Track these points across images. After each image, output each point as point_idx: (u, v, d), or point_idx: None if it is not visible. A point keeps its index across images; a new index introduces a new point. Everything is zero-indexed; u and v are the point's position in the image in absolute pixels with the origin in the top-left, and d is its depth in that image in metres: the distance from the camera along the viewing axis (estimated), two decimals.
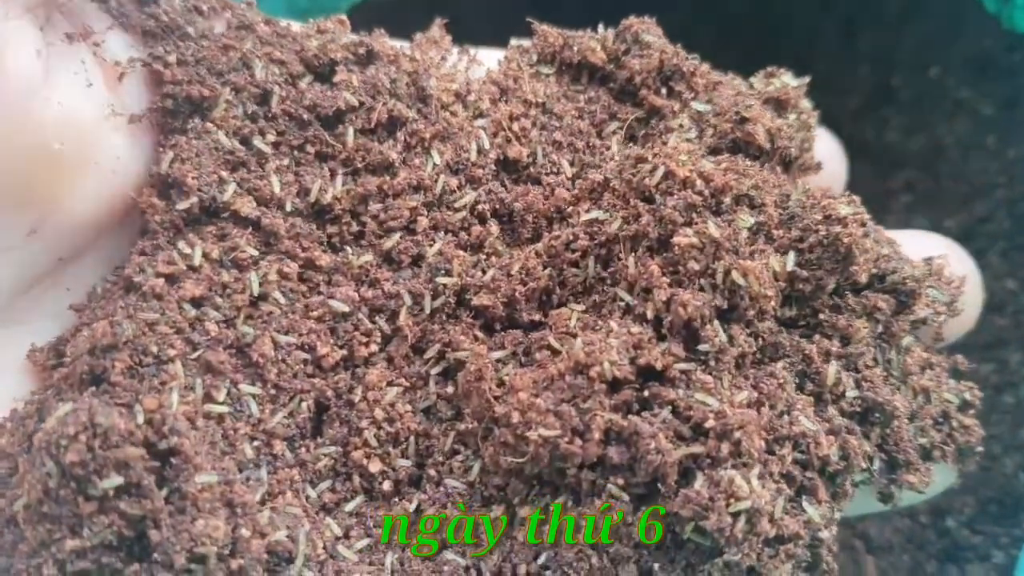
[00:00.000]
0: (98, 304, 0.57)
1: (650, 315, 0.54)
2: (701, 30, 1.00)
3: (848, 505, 0.56)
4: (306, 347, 0.55)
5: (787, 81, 0.64)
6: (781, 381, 0.54)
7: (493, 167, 0.61)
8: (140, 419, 0.49)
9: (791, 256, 0.55)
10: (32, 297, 0.57)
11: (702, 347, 0.53)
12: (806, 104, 0.64)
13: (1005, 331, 0.89)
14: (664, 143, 0.59)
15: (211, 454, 0.52)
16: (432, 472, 0.55)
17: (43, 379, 0.56)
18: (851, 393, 0.56)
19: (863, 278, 0.56)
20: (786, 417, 0.53)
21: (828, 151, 0.71)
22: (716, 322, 0.53)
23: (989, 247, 0.92)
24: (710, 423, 0.50)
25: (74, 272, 0.58)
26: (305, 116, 0.59)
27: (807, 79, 0.65)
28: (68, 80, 0.53)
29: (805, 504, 0.52)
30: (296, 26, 0.63)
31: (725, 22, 1.00)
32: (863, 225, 0.57)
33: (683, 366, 0.53)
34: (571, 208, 0.59)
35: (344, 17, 0.64)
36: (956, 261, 0.65)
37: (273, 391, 0.55)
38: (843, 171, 0.73)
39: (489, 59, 0.66)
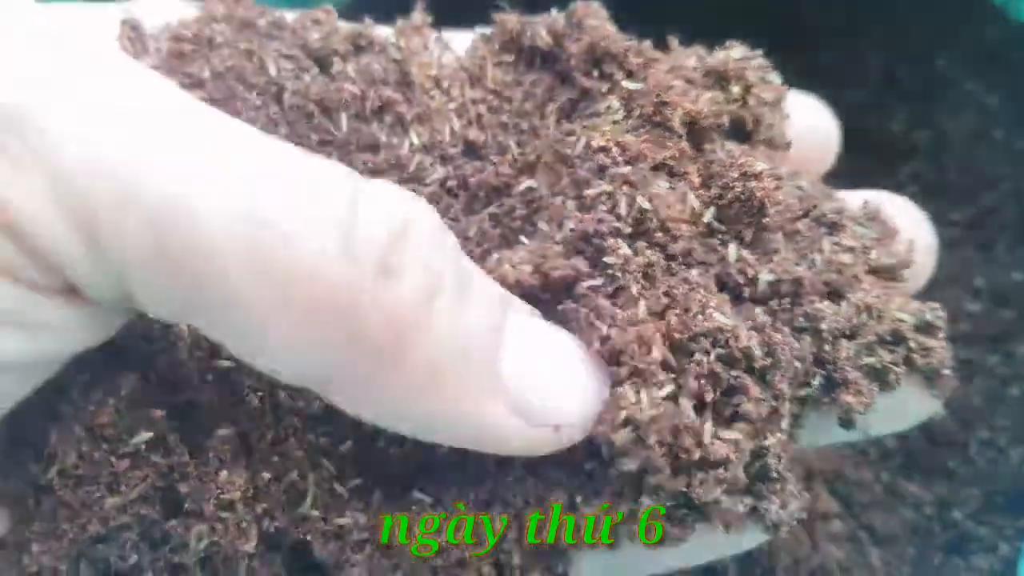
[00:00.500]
0: None
1: (558, 237, 0.55)
2: (705, 22, 1.00)
3: (804, 422, 0.55)
4: None
5: (730, 55, 0.64)
6: (693, 285, 0.54)
7: (461, 147, 0.63)
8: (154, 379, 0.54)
9: (711, 210, 0.55)
10: None
11: (607, 259, 0.53)
12: (771, 78, 0.64)
13: (1011, 323, 0.89)
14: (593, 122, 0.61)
15: (223, 407, 0.54)
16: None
17: None
18: (765, 277, 0.55)
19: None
20: (700, 316, 0.52)
21: (811, 125, 0.70)
22: (620, 239, 0.54)
23: (996, 238, 0.92)
24: (596, 346, 0.51)
25: None
26: (311, 108, 0.60)
27: (758, 52, 0.65)
28: None
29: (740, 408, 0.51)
30: (289, 16, 0.64)
31: (729, 13, 1.00)
32: (778, 179, 0.57)
33: (589, 283, 0.53)
34: (513, 181, 0.62)
35: (331, 7, 0.65)
36: (906, 217, 0.64)
37: None
38: (832, 144, 0.73)
39: (464, 41, 0.67)
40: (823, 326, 0.55)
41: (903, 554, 0.80)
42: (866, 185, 0.93)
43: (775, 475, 0.51)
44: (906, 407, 0.58)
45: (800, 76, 0.99)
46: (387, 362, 0.44)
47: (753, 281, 0.55)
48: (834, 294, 0.57)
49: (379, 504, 0.55)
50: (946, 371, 0.57)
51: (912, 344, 0.56)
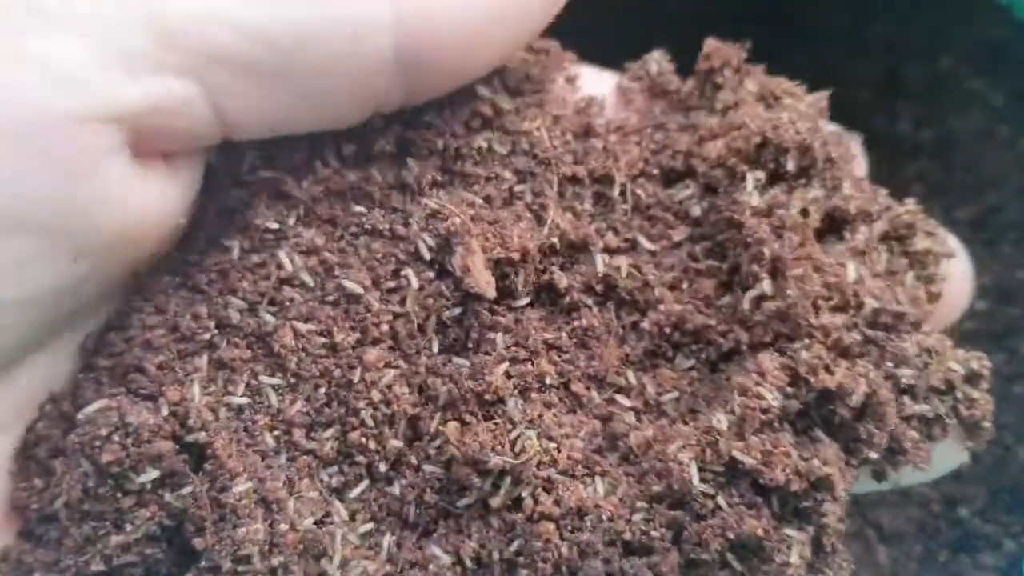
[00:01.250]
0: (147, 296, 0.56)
1: None
2: (711, 21, 1.00)
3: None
4: (324, 333, 0.55)
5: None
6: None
7: None
8: (165, 411, 0.51)
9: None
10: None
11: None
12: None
13: (1016, 321, 0.89)
14: None
15: (238, 449, 0.52)
16: (412, 458, 0.54)
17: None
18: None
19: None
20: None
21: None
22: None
23: (1001, 236, 0.92)
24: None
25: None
26: None
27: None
28: None
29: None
30: None
31: (735, 12, 1.01)
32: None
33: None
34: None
35: None
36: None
37: (293, 380, 0.54)
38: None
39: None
40: (904, 372, 0.53)
41: (910, 551, 0.80)
42: (872, 183, 0.94)
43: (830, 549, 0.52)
44: (939, 458, 0.56)
45: (805, 75, 0.99)
46: None
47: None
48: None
49: (390, 552, 0.53)
50: (987, 424, 0.55)
51: (959, 395, 0.55)
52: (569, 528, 0.52)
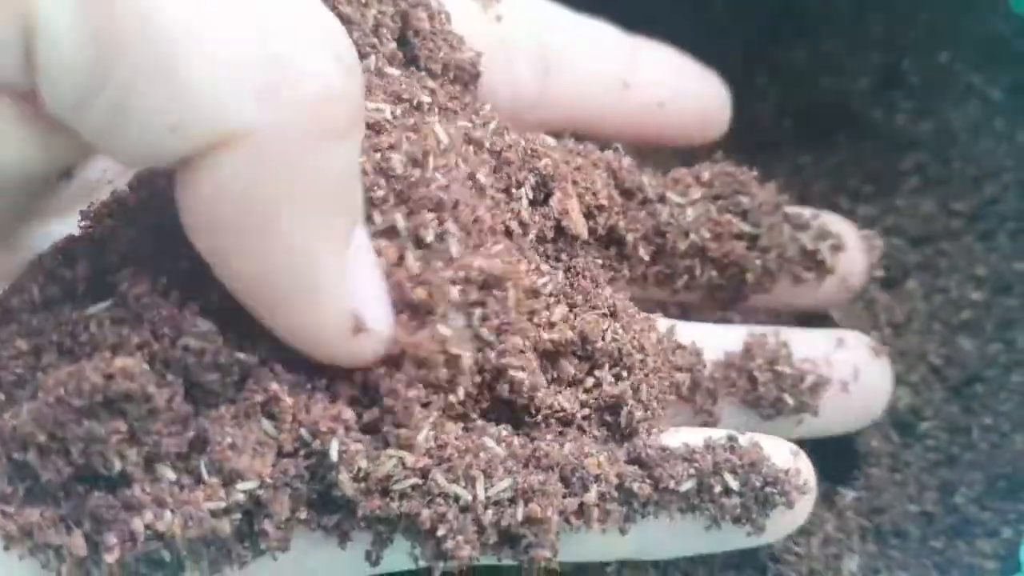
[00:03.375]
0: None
1: None
2: (709, 11, 1.01)
3: None
4: None
5: None
6: None
7: None
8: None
9: None
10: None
11: None
12: None
13: (1013, 311, 0.89)
14: None
15: None
16: None
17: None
18: None
19: None
20: None
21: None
22: None
23: (998, 228, 0.93)
24: None
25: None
26: None
27: None
28: None
29: None
30: None
31: (731, 3, 1.01)
32: None
33: None
34: None
35: None
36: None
37: None
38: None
39: None
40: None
41: (905, 538, 0.81)
42: (870, 176, 0.95)
43: None
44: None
45: (802, 67, 1.00)
46: None
47: None
48: None
49: None
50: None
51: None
52: None
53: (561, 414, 0.59)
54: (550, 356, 0.60)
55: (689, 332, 0.69)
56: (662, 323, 0.68)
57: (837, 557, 0.77)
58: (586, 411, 0.60)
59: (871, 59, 1.00)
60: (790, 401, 0.67)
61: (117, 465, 0.50)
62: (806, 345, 0.71)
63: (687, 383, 0.66)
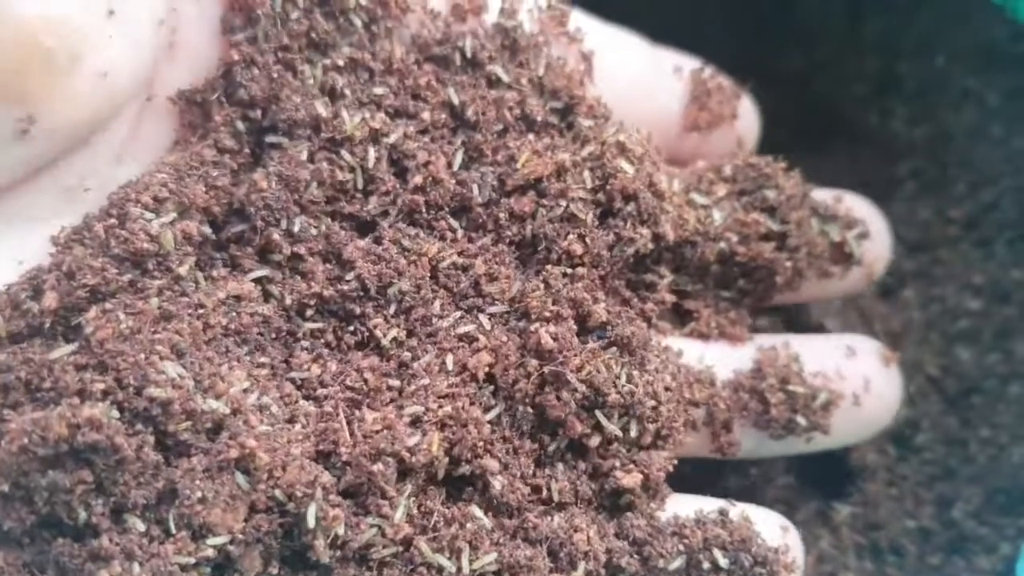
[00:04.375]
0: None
1: None
2: (703, 18, 0.99)
3: None
4: None
5: None
6: None
7: None
8: None
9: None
10: (20, 195, 0.57)
11: None
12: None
13: (1011, 321, 0.88)
14: None
15: None
16: None
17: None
18: None
19: None
20: None
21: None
22: None
23: (995, 236, 0.91)
24: None
25: (69, 167, 0.58)
26: None
27: None
28: None
29: None
30: None
31: (728, 9, 0.99)
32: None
33: None
34: None
35: None
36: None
37: None
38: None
39: None
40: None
41: (902, 555, 0.80)
42: (866, 180, 0.93)
43: None
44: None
45: (799, 72, 0.98)
46: None
47: None
48: None
49: None
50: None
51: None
52: None
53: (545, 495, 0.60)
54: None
55: (701, 349, 0.68)
56: (673, 343, 0.67)
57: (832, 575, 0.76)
58: (587, 492, 0.61)
59: (866, 64, 0.99)
60: (802, 422, 0.67)
61: (82, 516, 0.50)
62: (816, 356, 0.70)
63: (703, 417, 0.66)
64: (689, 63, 0.75)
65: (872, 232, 0.74)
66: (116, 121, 0.59)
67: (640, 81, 0.73)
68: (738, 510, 0.62)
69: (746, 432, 0.67)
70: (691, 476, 0.66)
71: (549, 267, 0.64)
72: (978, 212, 0.93)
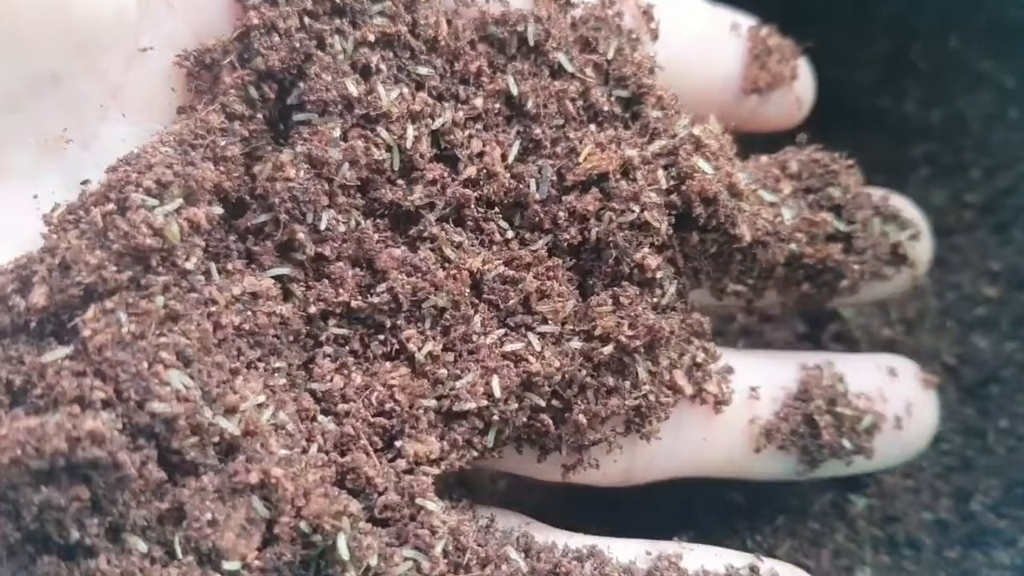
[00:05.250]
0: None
1: None
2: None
3: None
4: None
5: None
6: None
7: None
8: None
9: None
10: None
11: None
12: None
13: None
14: None
15: None
16: None
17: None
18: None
19: None
20: None
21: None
22: None
23: (1012, 221, 0.90)
24: None
25: (44, 112, 0.55)
26: None
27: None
28: None
29: None
30: None
31: None
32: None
33: None
34: None
35: None
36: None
37: None
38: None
39: None
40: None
41: (919, 549, 0.77)
42: (878, 165, 0.90)
43: None
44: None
45: (811, 53, 0.96)
46: None
47: None
48: None
49: None
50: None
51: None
52: None
53: None
54: None
55: (743, 366, 0.65)
56: (726, 358, 0.64)
57: (848, 570, 0.74)
58: None
59: (879, 46, 0.97)
60: (848, 445, 0.65)
61: (75, 535, 0.47)
62: (858, 377, 0.68)
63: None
64: (745, 20, 0.71)
65: (922, 233, 0.72)
66: (94, 63, 0.55)
67: (698, 39, 0.69)
68: (767, 567, 0.60)
69: (788, 456, 0.65)
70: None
71: (625, 284, 0.59)
72: (995, 197, 0.91)
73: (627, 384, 0.59)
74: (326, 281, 0.57)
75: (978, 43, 0.94)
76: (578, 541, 0.60)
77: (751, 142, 0.69)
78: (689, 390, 0.61)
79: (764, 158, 0.68)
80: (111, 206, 0.51)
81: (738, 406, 0.64)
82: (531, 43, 0.60)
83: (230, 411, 0.50)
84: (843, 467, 0.66)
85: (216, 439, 0.49)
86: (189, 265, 0.52)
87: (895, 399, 0.68)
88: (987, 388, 0.84)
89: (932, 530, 0.78)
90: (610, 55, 0.62)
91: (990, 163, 0.92)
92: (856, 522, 0.77)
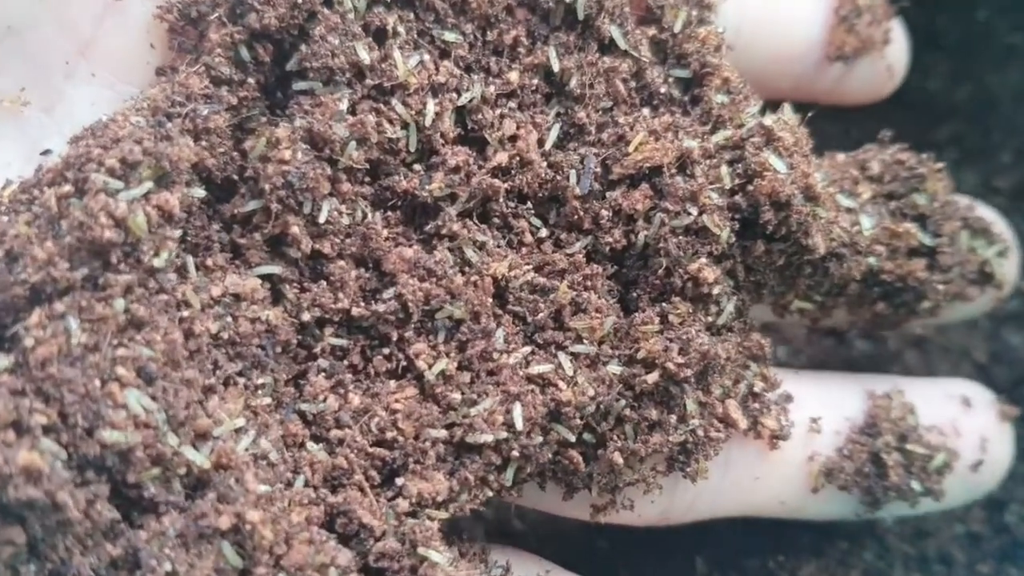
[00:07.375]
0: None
1: None
2: None
3: None
4: None
5: None
6: None
7: None
8: None
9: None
10: None
11: None
12: None
13: None
14: None
15: None
16: None
17: None
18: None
19: None
20: None
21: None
22: None
23: None
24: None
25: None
26: None
27: None
28: None
29: None
30: None
31: None
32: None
33: None
34: None
35: None
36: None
37: None
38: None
39: None
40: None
41: (950, 563, 0.74)
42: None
43: None
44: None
45: None
46: None
47: None
48: None
49: None
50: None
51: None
52: None
53: None
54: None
55: (803, 393, 0.59)
56: (787, 386, 0.58)
57: None
58: None
59: (903, 18, 0.91)
60: (917, 487, 0.59)
61: None
62: (929, 406, 0.62)
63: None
64: None
65: (1010, 248, 0.65)
66: (60, 12, 0.49)
67: None
68: None
69: (849, 497, 0.60)
70: None
71: (676, 299, 0.53)
72: None
73: (672, 418, 0.52)
74: (323, 283, 0.51)
75: (1008, 16, 0.89)
76: None
77: None
78: (743, 424, 0.54)
79: (841, 156, 0.62)
80: (67, 187, 0.44)
81: (796, 440, 0.58)
82: (580, 16, 0.53)
83: (200, 438, 0.44)
84: (907, 508, 0.61)
85: (183, 471, 0.44)
86: (158, 262, 0.46)
87: (969, 433, 0.62)
88: (1020, 388, 0.80)
89: (964, 544, 0.75)
90: (677, 28, 0.55)
91: (1021, 144, 0.88)
92: (886, 538, 0.74)
